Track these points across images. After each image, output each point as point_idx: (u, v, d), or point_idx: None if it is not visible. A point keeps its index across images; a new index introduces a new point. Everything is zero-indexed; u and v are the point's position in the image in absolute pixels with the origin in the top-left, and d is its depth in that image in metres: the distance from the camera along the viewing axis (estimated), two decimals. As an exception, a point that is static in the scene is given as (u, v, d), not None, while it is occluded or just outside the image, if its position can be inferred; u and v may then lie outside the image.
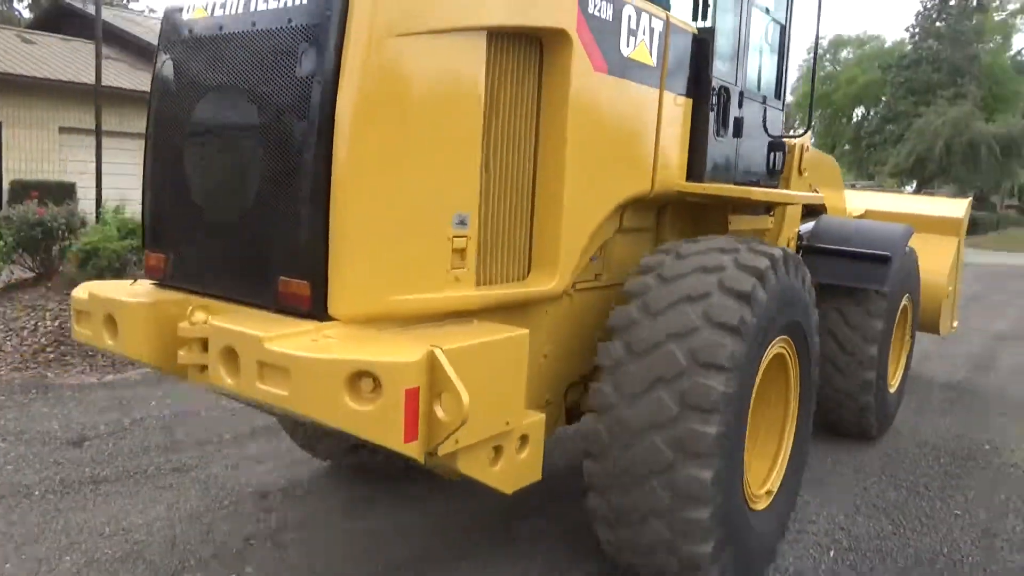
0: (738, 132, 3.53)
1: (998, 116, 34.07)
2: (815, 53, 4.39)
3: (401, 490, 3.91)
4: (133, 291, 2.36)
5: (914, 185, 33.48)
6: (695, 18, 3.44)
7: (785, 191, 4.12)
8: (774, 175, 4.04)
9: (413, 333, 2.02)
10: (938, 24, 37.52)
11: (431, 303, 2.15)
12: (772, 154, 3.95)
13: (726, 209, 3.57)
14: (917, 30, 39.29)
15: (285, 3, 2.00)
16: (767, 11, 3.80)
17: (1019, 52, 50.26)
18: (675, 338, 2.36)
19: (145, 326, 2.18)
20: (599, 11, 2.54)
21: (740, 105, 3.52)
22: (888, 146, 38.45)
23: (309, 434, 3.57)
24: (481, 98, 2.19)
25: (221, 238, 2.20)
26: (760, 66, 3.78)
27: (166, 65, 2.33)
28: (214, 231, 2.21)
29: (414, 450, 1.77)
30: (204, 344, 2.03)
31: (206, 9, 2.21)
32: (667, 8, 3.02)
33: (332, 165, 1.90)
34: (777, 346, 2.85)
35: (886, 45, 51.87)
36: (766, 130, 3.87)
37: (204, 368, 2.04)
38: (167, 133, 2.35)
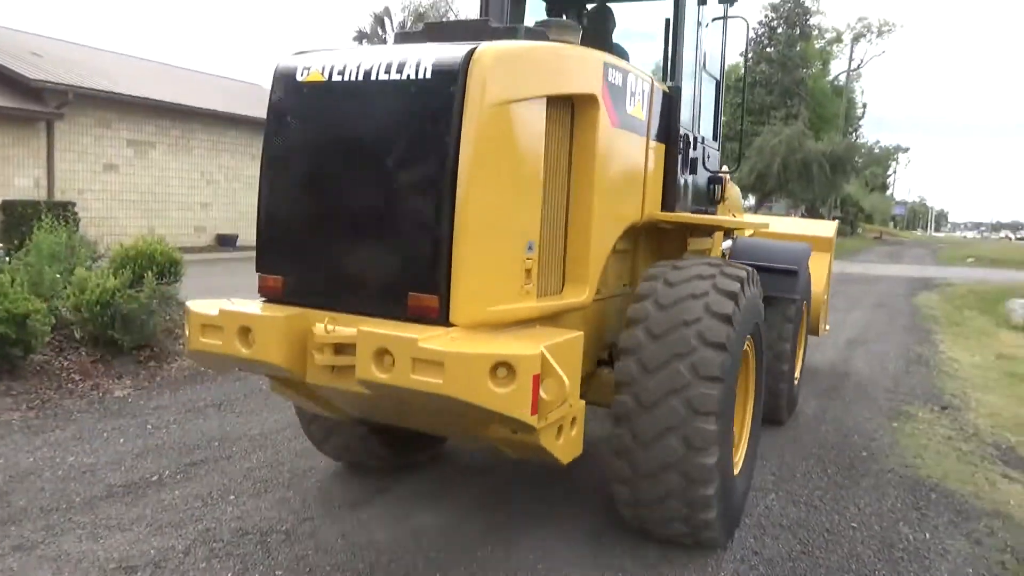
0: (693, 170, 4.30)
1: (823, 135, 37.74)
2: (743, 99, 6.55)
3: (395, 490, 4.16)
4: (259, 306, 2.83)
5: (753, 200, 36.23)
6: (664, 79, 4.20)
7: (739, 219, 5.36)
8: (714, 203, 4.86)
9: (513, 334, 2.57)
10: (768, 50, 41.00)
11: (511, 312, 2.73)
12: (712, 186, 4.76)
13: (685, 233, 4.39)
14: (751, 55, 42.76)
15: (408, 75, 2.55)
16: (710, 70, 4.72)
17: (836, 77, 56.17)
18: (679, 357, 3.07)
19: (280, 335, 2.61)
20: (615, 79, 3.29)
21: (695, 148, 4.31)
22: (731, 163, 41.43)
23: (323, 429, 3.95)
24: (542, 149, 2.81)
25: (353, 264, 2.71)
26: (704, 115, 4.63)
27: (282, 118, 2.84)
28: (345, 259, 2.73)
29: (535, 421, 2.31)
30: (335, 348, 2.57)
31: (322, 73, 2.74)
32: (627, 59, 3.82)
33: (455, 208, 2.47)
34: (745, 345, 3.60)
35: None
36: (706, 168, 4.64)
37: (333, 368, 2.61)
38: (289, 177, 2.85)
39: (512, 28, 2.93)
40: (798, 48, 41.16)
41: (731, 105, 42.30)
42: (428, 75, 2.55)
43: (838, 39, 55.00)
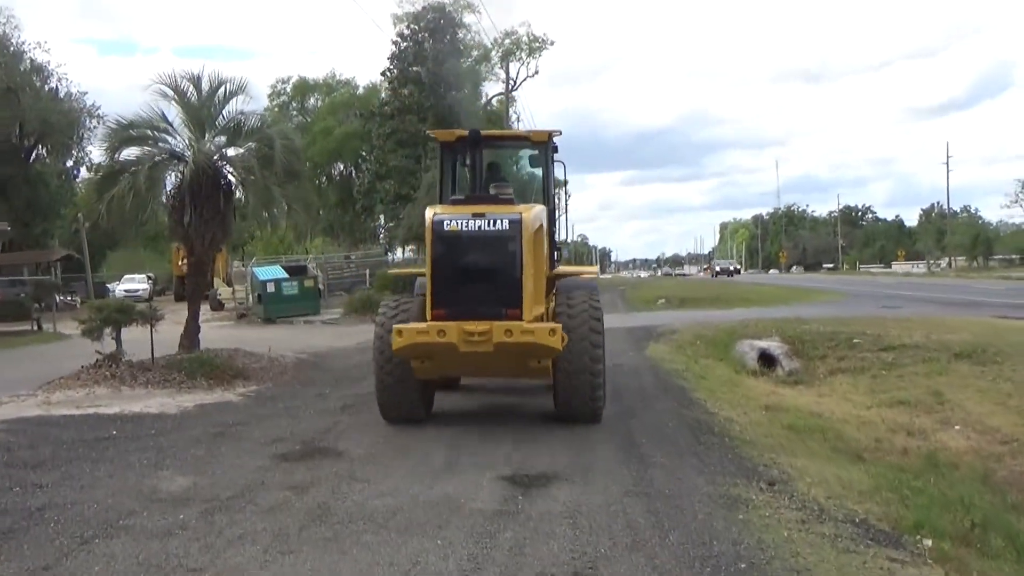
0: (557, 247, 12.05)
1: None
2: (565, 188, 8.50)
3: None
4: (439, 323, 9.44)
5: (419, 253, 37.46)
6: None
7: (583, 267, 15.32)
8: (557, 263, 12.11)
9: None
10: (415, 69, 43.26)
11: (538, 314, 10.01)
12: (557, 252, 12.01)
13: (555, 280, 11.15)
14: (394, 75, 44.75)
15: (497, 227, 9.58)
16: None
17: (489, 101, 61.35)
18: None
19: (454, 330, 9.24)
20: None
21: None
22: (384, 205, 42.60)
23: (391, 405, 10.35)
24: (543, 249, 10.68)
25: (478, 300, 9.56)
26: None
27: (437, 242, 9.67)
28: (474, 299, 9.58)
29: (560, 349, 9.48)
30: (476, 333, 9.24)
31: (457, 225, 9.59)
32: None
33: (523, 276, 9.60)
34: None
35: (358, 91, 58.07)
36: (555, 242, 11.87)
37: (475, 341, 9.26)
38: (444, 265, 9.64)
39: (510, 197, 10.71)
40: (446, 66, 44.10)
41: (378, 136, 44.03)
42: (506, 225, 9.47)
43: (486, 57, 60.54)
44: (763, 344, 17.94)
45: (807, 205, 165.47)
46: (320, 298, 32.02)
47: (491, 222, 9.50)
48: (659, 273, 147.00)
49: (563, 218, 14.65)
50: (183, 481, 7.86)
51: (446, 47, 44.44)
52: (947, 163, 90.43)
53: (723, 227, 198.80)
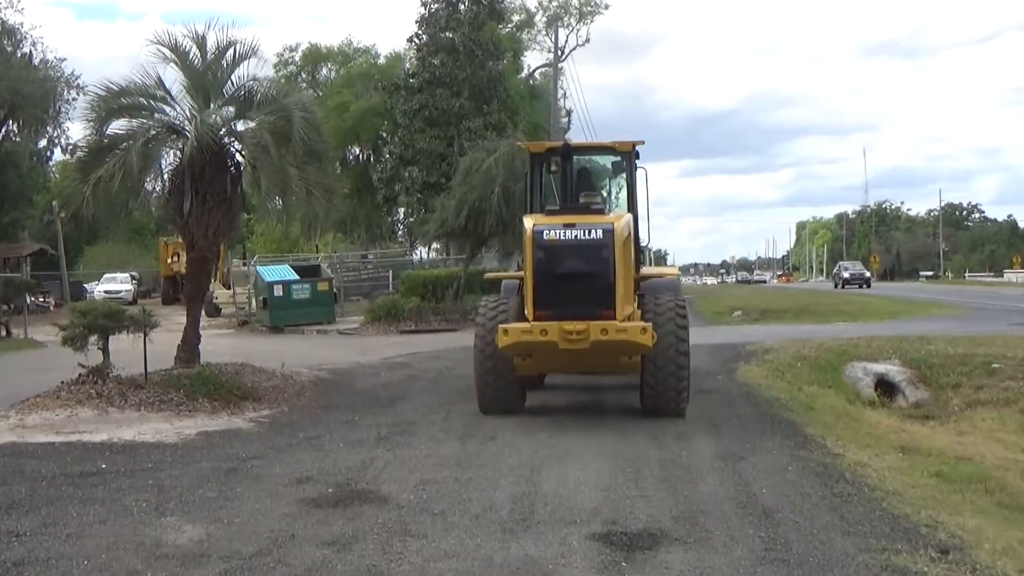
0: (639, 250, 14.68)
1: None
2: (647, 193, 14.44)
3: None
4: (542, 324, 12.05)
5: (459, 251, 36.92)
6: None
7: (665, 268, 22.16)
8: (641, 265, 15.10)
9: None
10: (448, 34, 42.85)
11: (629, 312, 12.88)
12: (640, 255, 15.02)
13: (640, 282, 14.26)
14: (424, 41, 44.36)
15: (592, 235, 12.19)
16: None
17: (532, 74, 60.99)
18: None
19: (554, 329, 11.86)
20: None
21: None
22: (409, 195, 42.14)
23: (492, 399, 13.05)
24: (630, 254, 13.75)
25: (575, 302, 12.13)
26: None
27: (538, 250, 12.25)
28: (572, 300, 12.14)
29: (652, 345, 12.06)
30: (579, 332, 11.72)
31: (556, 235, 12.20)
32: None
33: (615, 279, 12.33)
34: None
35: (379, 61, 57.85)
36: (640, 246, 14.75)
37: (572, 339, 11.79)
38: (544, 270, 12.28)
39: (600, 207, 13.61)
40: (486, 31, 43.62)
41: (404, 114, 43.63)
42: (600, 234, 12.14)
43: (529, 23, 60.13)
44: (880, 368, 17.25)
45: (901, 202, 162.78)
46: (336, 304, 31.72)
47: (586, 231, 12.17)
48: (730, 279, 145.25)
49: (646, 222, 15.65)
50: (193, 531, 7.39)
51: (485, 8, 43.95)
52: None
53: (800, 227, 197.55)
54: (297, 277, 30.39)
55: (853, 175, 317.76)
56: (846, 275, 68.73)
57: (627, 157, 14.59)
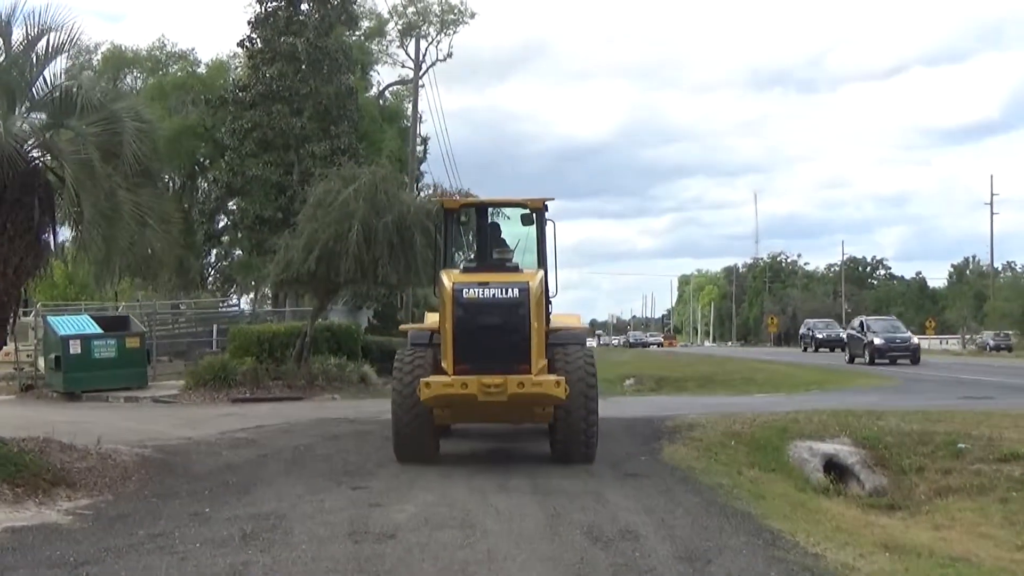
0: (548, 303, 17.32)
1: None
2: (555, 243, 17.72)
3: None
4: (462, 377, 15.01)
5: (298, 302, 35.97)
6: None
7: (568, 316, 18.79)
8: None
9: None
10: (289, 39, 42.08)
11: (542, 365, 15.88)
12: (548, 306, 17.32)
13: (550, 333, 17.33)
14: (258, 47, 43.47)
15: (509, 294, 15.37)
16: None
17: (382, 92, 60.72)
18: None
19: (474, 383, 14.78)
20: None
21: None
22: (240, 232, 41.01)
23: (409, 449, 15.79)
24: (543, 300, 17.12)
25: (493, 358, 15.12)
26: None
27: (458, 307, 15.27)
28: (489, 356, 15.13)
29: (565, 398, 15.07)
30: (497, 385, 14.78)
31: (474, 293, 15.36)
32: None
33: (530, 333, 15.44)
34: None
35: (199, 69, 56.61)
36: (548, 299, 17.46)
37: (491, 393, 14.78)
38: (464, 327, 15.28)
39: (514, 264, 16.82)
40: (334, 37, 43.08)
41: (234, 134, 42.63)
42: (516, 292, 15.32)
43: (380, 31, 59.96)
44: (828, 448, 17.34)
45: (798, 255, 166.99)
46: (148, 364, 30.44)
47: (503, 290, 15.18)
48: (614, 341, 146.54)
49: (554, 274, 19.09)
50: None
51: (335, 9, 43.49)
52: (991, 203, 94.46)
53: (683, 281, 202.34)
54: (100, 331, 29.00)
55: (742, 223, 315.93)
56: (820, 336, 69.93)
57: (539, 212, 17.53)
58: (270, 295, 51.92)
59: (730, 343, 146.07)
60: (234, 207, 42.23)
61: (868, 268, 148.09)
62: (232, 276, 59.65)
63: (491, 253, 17.31)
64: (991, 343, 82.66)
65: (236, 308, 49.60)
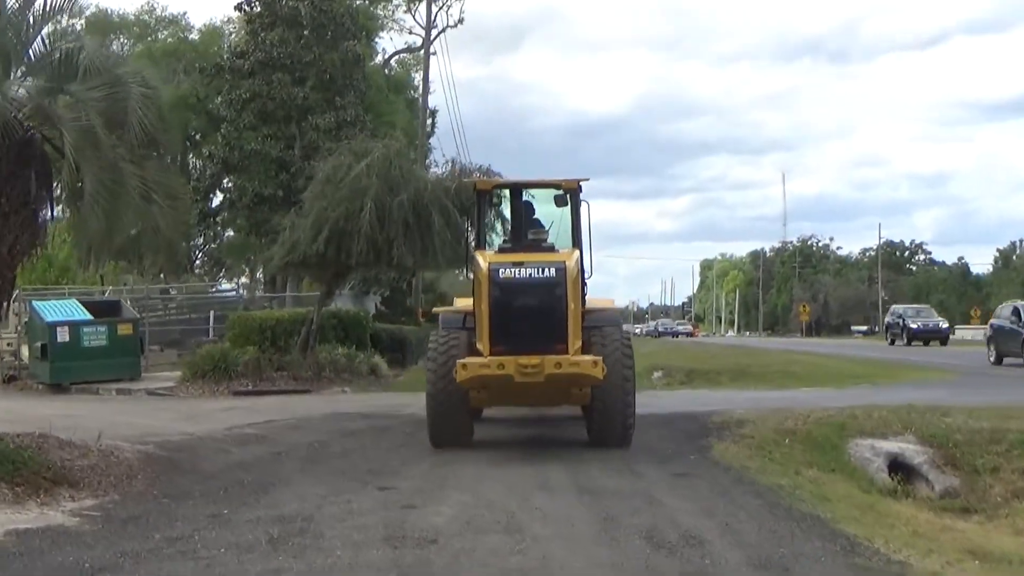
0: (584, 283, 18.71)
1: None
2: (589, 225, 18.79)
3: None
4: (500, 358, 16.14)
5: (299, 287, 35.85)
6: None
7: (603, 299, 20.84)
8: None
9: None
10: (291, 3, 41.80)
11: (579, 345, 17.13)
12: (584, 287, 18.57)
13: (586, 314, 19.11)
14: (257, 10, 43.16)
15: (545, 274, 16.57)
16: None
17: (388, 60, 60.50)
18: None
19: (510, 363, 15.89)
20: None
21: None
22: (237, 212, 40.79)
23: (444, 434, 16.83)
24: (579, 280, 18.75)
25: (531, 337, 16.29)
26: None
27: (494, 288, 16.59)
28: (527, 335, 16.31)
29: (603, 378, 16.09)
30: (534, 366, 15.74)
31: (511, 272, 16.61)
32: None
33: (567, 313, 16.59)
34: None
35: (191, 36, 56.43)
36: (584, 279, 18.92)
37: (527, 373, 15.86)
38: (500, 307, 16.60)
39: (550, 244, 18.26)
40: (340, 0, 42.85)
41: (230, 105, 42.39)
42: (553, 272, 16.51)
43: (386, -5, 59.63)
44: (892, 447, 17.19)
45: (830, 239, 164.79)
46: (141, 354, 30.34)
47: (540, 270, 16.26)
48: (636, 330, 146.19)
49: (588, 256, 20.17)
50: None
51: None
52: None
53: (706, 267, 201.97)
54: (89, 317, 28.95)
55: (768, 203, 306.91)
56: (914, 326, 61.72)
57: (573, 193, 18.59)
58: (262, 279, 51.77)
59: (748, 333, 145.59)
60: (231, 184, 41.92)
61: (906, 253, 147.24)
62: (222, 259, 59.66)
63: (526, 234, 18.31)
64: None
65: (233, 293, 49.41)
